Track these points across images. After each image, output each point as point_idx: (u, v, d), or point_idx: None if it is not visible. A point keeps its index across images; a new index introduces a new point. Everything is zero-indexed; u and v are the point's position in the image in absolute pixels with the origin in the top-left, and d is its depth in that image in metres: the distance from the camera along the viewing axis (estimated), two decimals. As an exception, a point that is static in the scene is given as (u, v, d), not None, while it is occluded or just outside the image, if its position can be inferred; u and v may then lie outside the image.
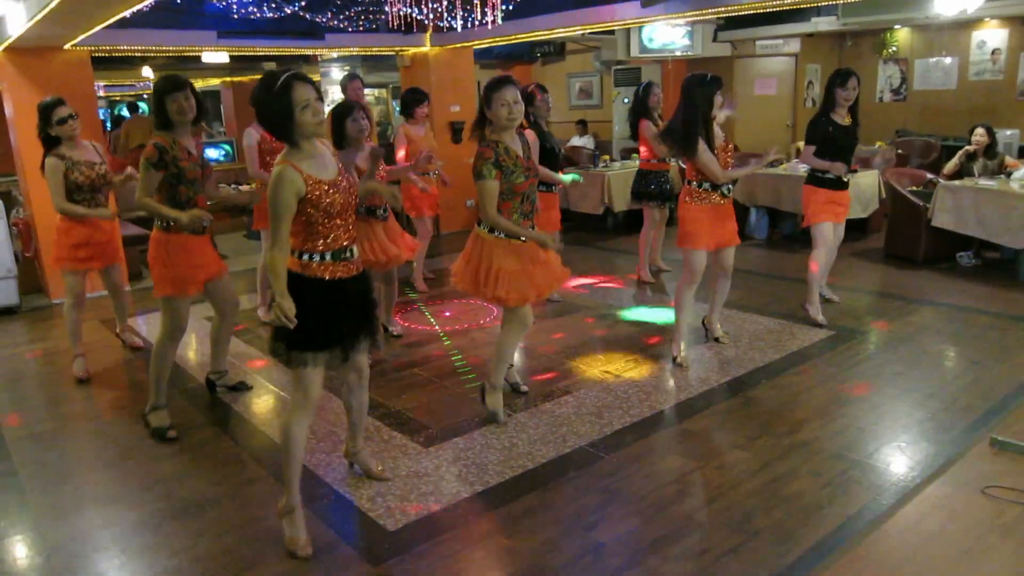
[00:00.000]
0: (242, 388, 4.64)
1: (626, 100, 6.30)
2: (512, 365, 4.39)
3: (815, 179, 5.32)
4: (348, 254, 2.94)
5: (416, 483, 3.47)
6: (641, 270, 6.74)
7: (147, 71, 9.81)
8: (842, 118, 5.16)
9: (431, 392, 4.53)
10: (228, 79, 11.86)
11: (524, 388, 4.41)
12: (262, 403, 4.51)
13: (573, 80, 12.22)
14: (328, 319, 2.89)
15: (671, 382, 4.51)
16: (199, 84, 13.03)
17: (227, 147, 11.49)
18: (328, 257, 2.88)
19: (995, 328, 5.17)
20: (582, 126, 11.35)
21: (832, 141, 5.15)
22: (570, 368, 4.79)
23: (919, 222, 6.73)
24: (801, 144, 6.14)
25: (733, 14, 8.24)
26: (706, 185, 4.55)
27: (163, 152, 3.84)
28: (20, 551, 3.12)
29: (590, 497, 3.32)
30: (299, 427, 2.95)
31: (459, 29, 7.77)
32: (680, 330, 4.75)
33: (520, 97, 3.62)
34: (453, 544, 3.02)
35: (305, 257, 2.86)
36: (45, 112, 4.74)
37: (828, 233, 5.37)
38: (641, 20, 7.34)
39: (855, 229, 7.90)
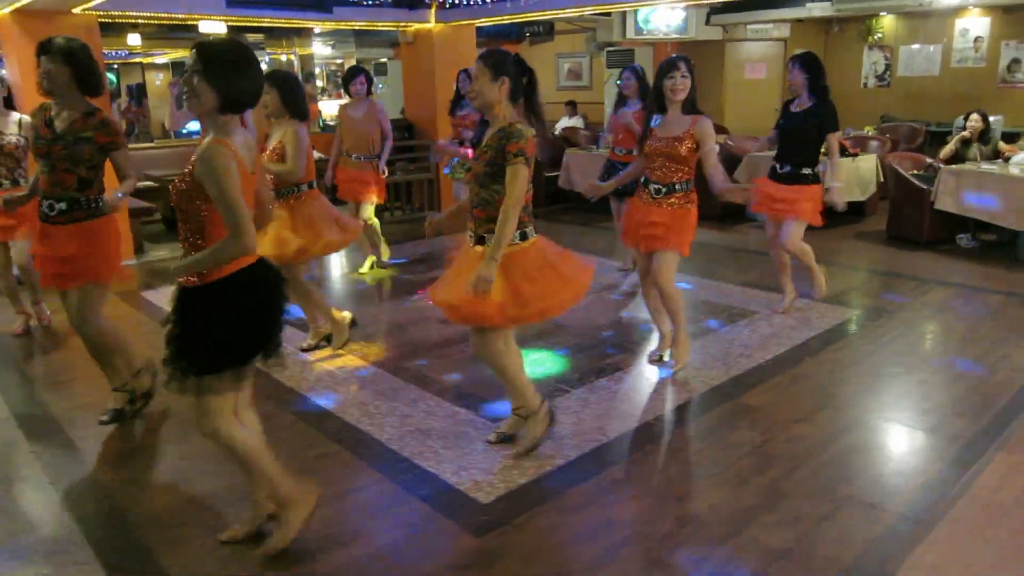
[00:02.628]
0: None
1: (619, 82, 6.28)
2: None
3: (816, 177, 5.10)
4: None
5: (494, 457, 3.49)
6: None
7: (135, 38, 9.48)
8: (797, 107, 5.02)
9: (482, 368, 4.54)
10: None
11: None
12: (311, 375, 4.47)
13: (562, 61, 12.22)
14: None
15: (718, 359, 4.60)
16: (176, 54, 12.68)
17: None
18: None
19: (1010, 306, 5.40)
20: (571, 107, 11.37)
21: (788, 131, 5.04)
22: (614, 344, 4.86)
23: (922, 205, 6.97)
24: None
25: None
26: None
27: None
28: (108, 525, 3.06)
29: (671, 469, 3.40)
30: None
31: (467, 3, 7.72)
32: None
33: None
34: (550, 515, 3.07)
35: None
36: None
37: None
38: (655, 1, 7.38)
39: (853, 212, 8.12)
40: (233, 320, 2.54)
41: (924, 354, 4.62)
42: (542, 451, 3.54)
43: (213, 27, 8.41)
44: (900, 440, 3.61)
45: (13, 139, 4.93)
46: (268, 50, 11.26)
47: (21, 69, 6.29)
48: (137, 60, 14.45)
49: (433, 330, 5.14)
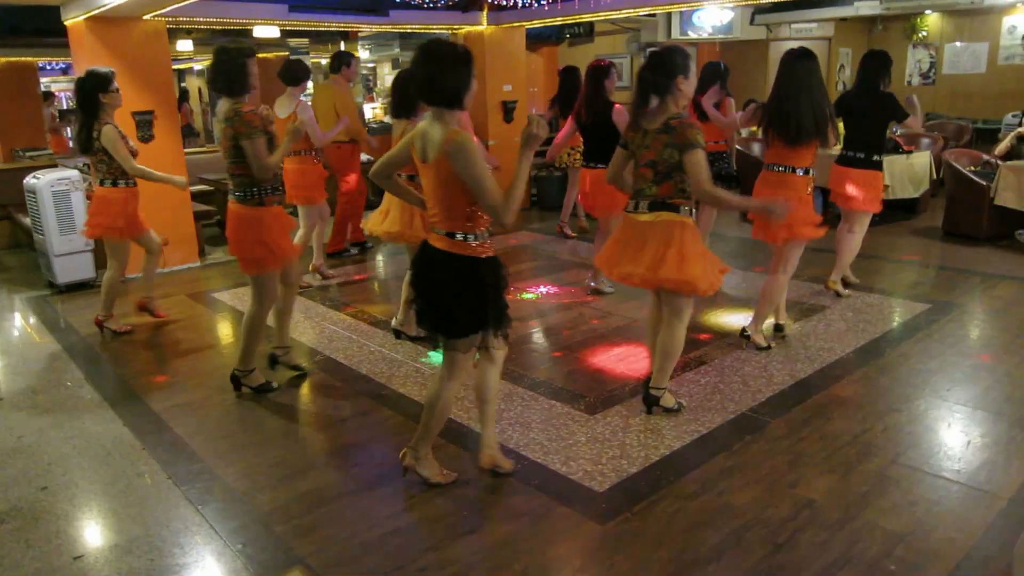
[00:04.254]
0: (299, 369, 4.60)
1: None
2: None
3: (880, 164, 5.32)
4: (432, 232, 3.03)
5: (600, 448, 3.56)
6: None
7: (186, 44, 9.63)
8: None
9: (568, 361, 4.62)
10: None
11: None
12: (400, 371, 4.55)
13: (601, 61, 12.27)
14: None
15: (799, 352, 4.65)
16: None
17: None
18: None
19: (1083, 300, 5.42)
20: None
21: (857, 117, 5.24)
22: (691, 338, 4.91)
23: (981, 201, 6.97)
24: None
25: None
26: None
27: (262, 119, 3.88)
28: (232, 515, 3.15)
29: (777, 458, 3.45)
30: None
31: (519, 4, 7.80)
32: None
33: None
34: (668, 502, 3.13)
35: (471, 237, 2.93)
36: (106, 80, 4.84)
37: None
38: (704, 1, 7.42)
39: (904, 208, 8.15)
40: (499, 290, 2.97)
41: (1005, 346, 4.64)
42: (646, 442, 3.61)
43: (268, 31, 8.56)
44: (998, 429, 3.64)
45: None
46: (312, 53, 11.37)
47: (94, 76, 6.42)
48: (176, 67, 14.64)
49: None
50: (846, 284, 5.67)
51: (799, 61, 4.29)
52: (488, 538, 2.96)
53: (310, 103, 6.45)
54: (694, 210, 3.60)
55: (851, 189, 5.24)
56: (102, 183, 5.05)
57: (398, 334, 5.05)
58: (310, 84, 7.67)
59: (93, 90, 4.81)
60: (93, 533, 3.12)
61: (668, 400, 3.85)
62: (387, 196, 4.67)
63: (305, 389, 4.42)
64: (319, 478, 3.43)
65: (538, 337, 5.13)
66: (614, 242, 3.72)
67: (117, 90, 4.89)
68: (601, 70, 5.50)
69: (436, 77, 2.79)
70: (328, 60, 7.79)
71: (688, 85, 3.49)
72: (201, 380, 4.63)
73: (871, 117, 5.14)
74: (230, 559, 2.87)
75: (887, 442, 3.57)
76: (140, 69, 6.53)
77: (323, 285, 6.49)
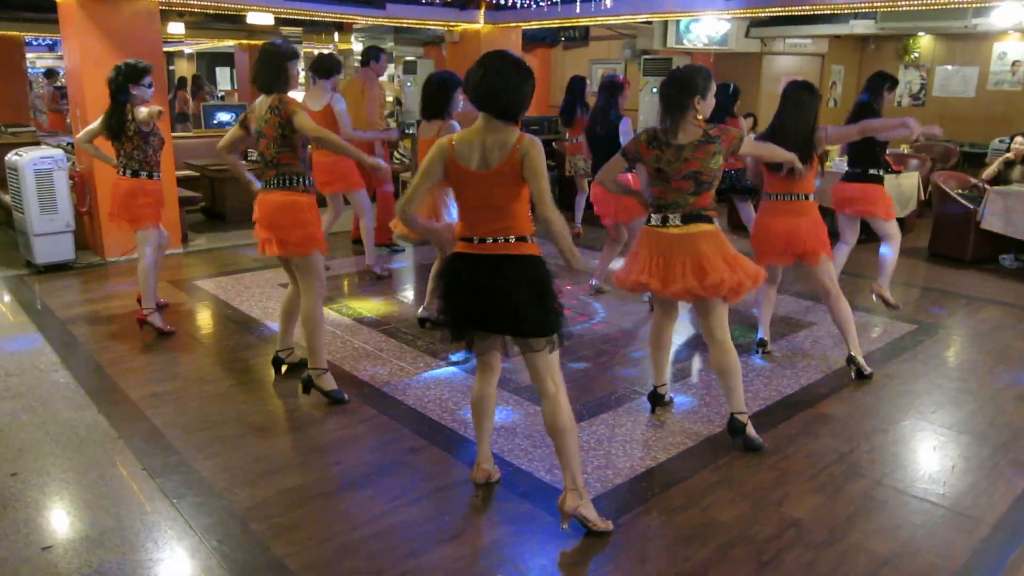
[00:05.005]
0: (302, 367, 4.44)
1: (655, 90, 6.39)
2: None
3: (879, 178, 5.39)
4: (475, 240, 2.86)
5: (585, 457, 3.51)
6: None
7: (178, 27, 9.49)
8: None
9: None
10: (245, 41, 11.52)
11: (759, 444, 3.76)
12: (385, 371, 4.49)
13: (595, 67, 12.26)
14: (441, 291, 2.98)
15: (785, 368, 4.64)
16: (214, 43, 12.68)
17: (235, 114, 11.14)
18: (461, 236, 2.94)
19: (1065, 328, 5.46)
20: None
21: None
22: (680, 350, 4.90)
23: (968, 224, 7.02)
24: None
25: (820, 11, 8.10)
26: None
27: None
28: (208, 511, 3.07)
29: (763, 474, 3.43)
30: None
31: (516, 6, 7.76)
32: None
33: None
34: (654, 516, 3.09)
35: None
36: (143, 71, 4.76)
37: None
38: (719, 12, 7.43)
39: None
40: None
41: (989, 370, 4.66)
42: (631, 452, 3.58)
43: (261, 18, 8.46)
44: (983, 453, 3.64)
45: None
46: (305, 43, 11.26)
47: (81, 54, 6.30)
48: (166, 49, 14.45)
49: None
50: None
51: (806, 92, 4.31)
52: (470, 545, 2.92)
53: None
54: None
55: (853, 203, 5.29)
56: (136, 173, 4.87)
57: (423, 323, 5.13)
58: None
59: (125, 81, 4.72)
60: (63, 523, 3.03)
61: (751, 430, 3.68)
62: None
63: (288, 384, 4.34)
64: (299, 476, 3.36)
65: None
66: (635, 260, 3.62)
67: (149, 85, 4.81)
68: (617, 86, 5.69)
69: (501, 91, 2.72)
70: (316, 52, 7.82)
71: (705, 105, 3.46)
72: (180, 370, 4.54)
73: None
74: (204, 556, 2.80)
75: (872, 463, 3.56)
76: (131, 50, 6.35)
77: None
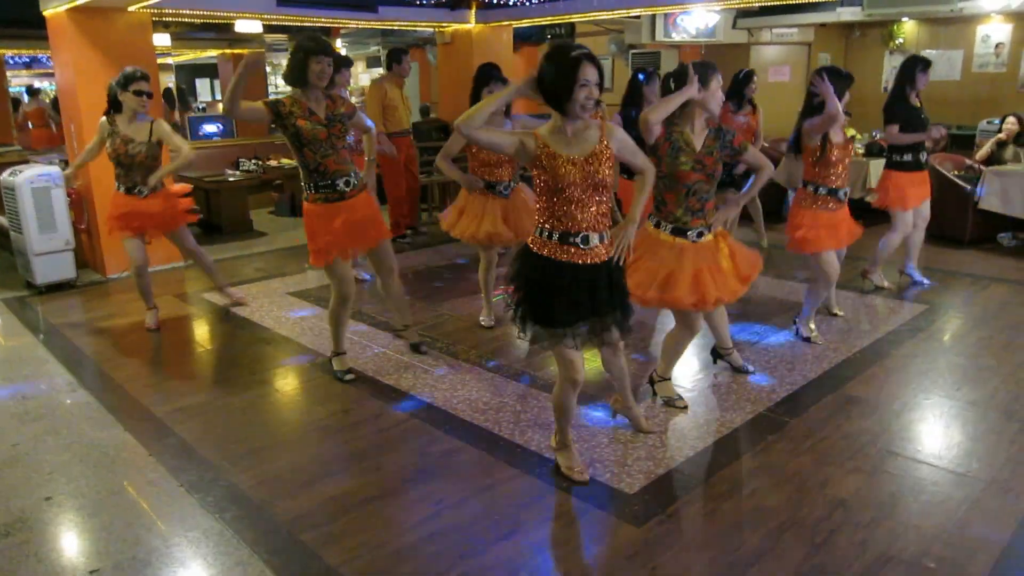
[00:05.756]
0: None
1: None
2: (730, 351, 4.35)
3: (894, 163, 5.55)
4: (578, 239, 2.90)
5: (624, 449, 3.52)
6: None
7: (164, 38, 9.38)
8: (915, 102, 5.42)
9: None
10: (228, 51, 11.41)
11: (751, 369, 4.36)
12: (410, 375, 4.46)
13: (582, 63, 12.26)
14: (553, 299, 2.93)
15: (807, 352, 4.66)
16: (196, 55, 12.55)
17: (220, 125, 11.00)
18: (555, 237, 2.92)
19: (1073, 301, 5.55)
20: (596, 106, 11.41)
21: (915, 120, 5.40)
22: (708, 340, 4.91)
23: (966, 205, 7.10)
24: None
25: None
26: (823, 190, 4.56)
27: (278, 105, 3.84)
28: (253, 523, 3.03)
29: (802, 458, 3.44)
30: (566, 398, 3.10)
31: (507, 4, 7.75)
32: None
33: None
34: (701, 503, 3.10)
35: (537, 232, 2.96)
36: (127, 78, 4.86)
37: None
38: (712, 3, 7.46)
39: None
40: None
41: (1005, 345, 4.71)
42: (669, 443, 3.58)
43: (250, 26, 8.38)
44: (1012, 428, 3.67)
45: (141, 148, 4.95)
46: (290, 49, 11.14)
47: (75, 68, 6.21)
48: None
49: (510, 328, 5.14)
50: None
51: (834, 76, 4.39)
52: (525, 542, 2.90)
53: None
54: None
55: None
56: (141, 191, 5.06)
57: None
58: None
59: (113, 86, 4.85)
60: (107, 545, 2.96)
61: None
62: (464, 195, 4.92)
63: (313, 392, 4.30)
64: (339, 484, 3.33)
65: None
66: (650, 273, 3.60)
67: (139, 93, 4.84)
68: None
69: (540, 78, 2.81)
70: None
71: (708, 94, 3.50)
72: (200, 384, 4.49)
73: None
74: (258, 570, 2.76)
75: (906, 441, 3.59)
76: (123, 62, 6.27)
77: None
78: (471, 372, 4.47)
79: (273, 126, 3.93)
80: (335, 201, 4.03)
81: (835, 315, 5.22)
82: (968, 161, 7.68)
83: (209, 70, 15.40)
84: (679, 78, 3.49)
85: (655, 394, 4.01)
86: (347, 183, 4.05)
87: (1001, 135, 7.63)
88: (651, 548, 2.83)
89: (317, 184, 3.99)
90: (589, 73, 2.74)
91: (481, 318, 5.26)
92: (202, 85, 16.57)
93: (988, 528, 2.89)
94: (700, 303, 3.58)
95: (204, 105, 15.69)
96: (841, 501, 3.09)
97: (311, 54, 3.80)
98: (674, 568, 2.72)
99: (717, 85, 3.54)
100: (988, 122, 9.17)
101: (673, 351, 3.93)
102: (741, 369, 4.30)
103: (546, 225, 2.93)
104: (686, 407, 3.92)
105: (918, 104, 5.50)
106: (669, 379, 4.01)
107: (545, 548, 2.85)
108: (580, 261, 2.91)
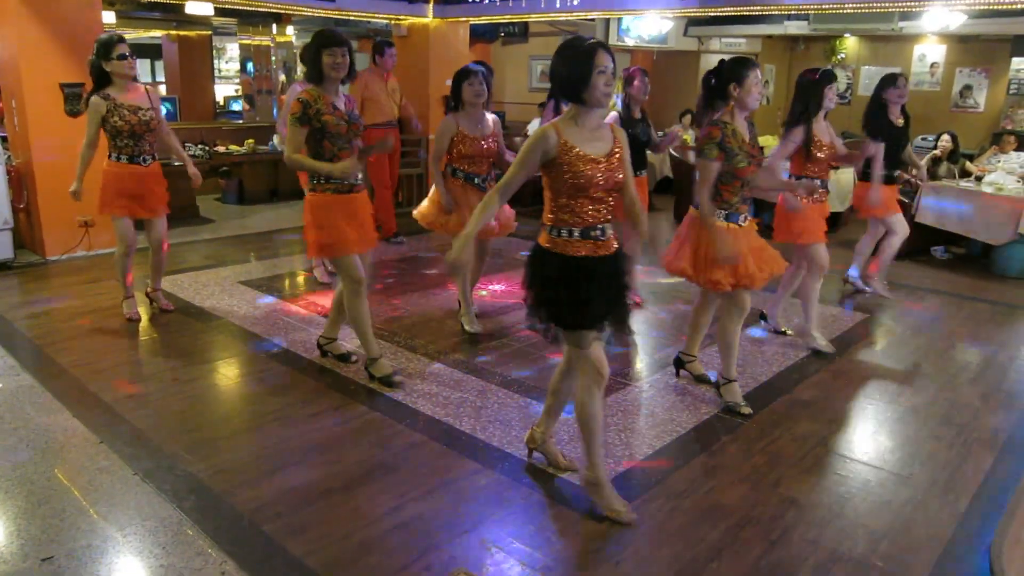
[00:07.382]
0: (346, 359, 4.50)
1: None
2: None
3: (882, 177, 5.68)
4: (598, 232, 2.90)
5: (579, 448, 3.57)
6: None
7: (109, 16, 9.05)
8: (896, 118, 5.59)
9: (540, 360, 4.61)
10: (174, 32, 11.09)
11: (712, 379, 4.30)
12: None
13: (535, 62, 12.33)
14: (579, 296, 2.88)
15: (756, 356, 4.80)
16: (139, 34, 12.16)
17: (167, 105, 10.67)
18: (575, 234, 2.89)
19: (998, 313, 5.84)
20: (543, 107, 11.49)
21: (894, 140, 5.58)
22: (664, 341, 5.01)
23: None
24: None
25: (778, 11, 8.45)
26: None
27: (307, 106, 3.75)
28: (213, 513, 2.99)
29: (756, 458, 3.56)
30: (593, 403, 2.98)
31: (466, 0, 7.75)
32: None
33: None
34: (661, 501, 3.17)
35: (550, 231, 2.90)
36: (105, 47, 4.62)
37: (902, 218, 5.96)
38: (679, 11, 7.58)
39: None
40: None
41: (941, 354, 4.95)
42: (627, 441, 3.65)
43: (201, 7, 8.15)
44: (950, 433, 3.87)
45: (151, 113, 4.80)
46: (240, 35, 10.91)
47: (19, 43, 5.98)
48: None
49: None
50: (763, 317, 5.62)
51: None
52: (489, 536, 2.92)
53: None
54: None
55: None
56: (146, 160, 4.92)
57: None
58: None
59: (94, 59, 4.61)
60: (58, 532, 2.88)
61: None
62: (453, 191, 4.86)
63: (269, 382, 4.24)
64: (300, 475, 3.30)
65: (512, 334, 5.09)
66: (693, 253, 3.88)
67: (123, 56, 4.62)
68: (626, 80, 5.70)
69: (554, 72, 2.82)
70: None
71: (743, 92, 3.63)
72: (152, 370, 4.38)
73: None
74: (218, 560, 2.72)
75: (854, 444, 3.75)
76: (70, 38, 6.13)
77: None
78: (430, 367, 4.47)
79: None
80: (344, 193, 3.96)
81: (783, 333, 5.25)
82: (905, 176, 7.99)
83: (152, 51, 14.95)
84: (719, 76, 3.68)
85: (720, 396, 4.07)
86: (356, 177, 4.01)
87: (936, 152, 7.97)
88: (614, 543, 2.89)
89: (329, 175, 3.92)
90: (605, 60, 2.73)
91: (467, 326, 5.07)
92: (142, 66, 16.07)
93: (930, 527, 3.05)
94: (756, 280, 3.82)
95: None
96: (793, 500, 3.21)
97: (323, 47, 3.77)
98: (637, 562, 2.78)
99: (754, 81, 3.63)
100: (923, 139, 9.57)
101: (727, 345, 4.01)
102: (702, 378, 4.34)
103: (563, 223, 2.87)
104: (750, 414, 3.96)
105: (900, 122, 5.63)
106: (735, 380, 4.06)
107: (510, 542, 2.87)
108: (598, 254, 2.90)
